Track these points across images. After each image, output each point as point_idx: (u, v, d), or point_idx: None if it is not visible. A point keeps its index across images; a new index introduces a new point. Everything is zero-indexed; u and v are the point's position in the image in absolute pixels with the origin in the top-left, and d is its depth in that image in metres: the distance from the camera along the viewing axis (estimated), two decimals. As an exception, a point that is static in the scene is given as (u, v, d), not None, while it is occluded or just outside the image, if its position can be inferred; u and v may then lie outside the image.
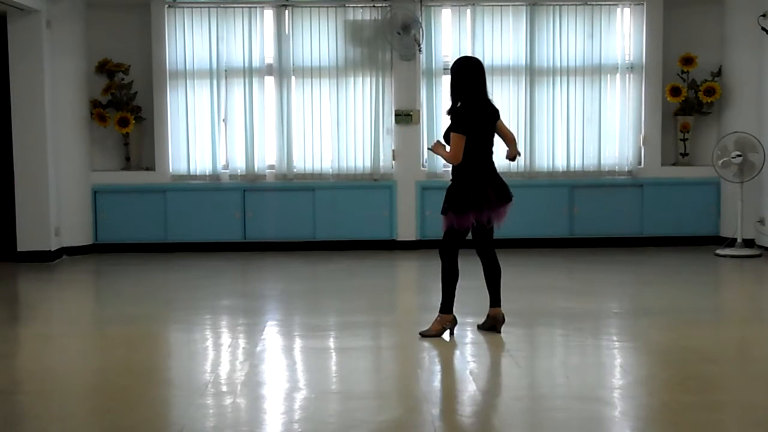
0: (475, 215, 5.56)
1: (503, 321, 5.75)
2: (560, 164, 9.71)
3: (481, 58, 9.39)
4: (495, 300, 5.76)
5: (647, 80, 9.70)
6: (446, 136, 5.64)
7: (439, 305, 5.68)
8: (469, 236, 5.73)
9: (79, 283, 8.33)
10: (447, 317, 5.66)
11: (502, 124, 5.76)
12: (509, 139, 5.75)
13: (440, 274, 5.67)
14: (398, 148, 9.65)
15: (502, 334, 5.78)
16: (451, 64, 5.83)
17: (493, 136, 5.69)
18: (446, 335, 5.66)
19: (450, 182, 5.67)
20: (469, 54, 9.52)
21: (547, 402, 4.46)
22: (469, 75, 5.61)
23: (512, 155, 5.76)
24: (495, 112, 5.69)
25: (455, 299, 5.67)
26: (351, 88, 9.63)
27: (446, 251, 5.65)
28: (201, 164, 9.67)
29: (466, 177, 5.57)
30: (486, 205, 5.57)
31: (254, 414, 4.34)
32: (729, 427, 4.11)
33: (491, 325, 5.75)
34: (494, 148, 5.72)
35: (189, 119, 9.64)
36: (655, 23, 9.66)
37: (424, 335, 5.64)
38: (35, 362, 5.43)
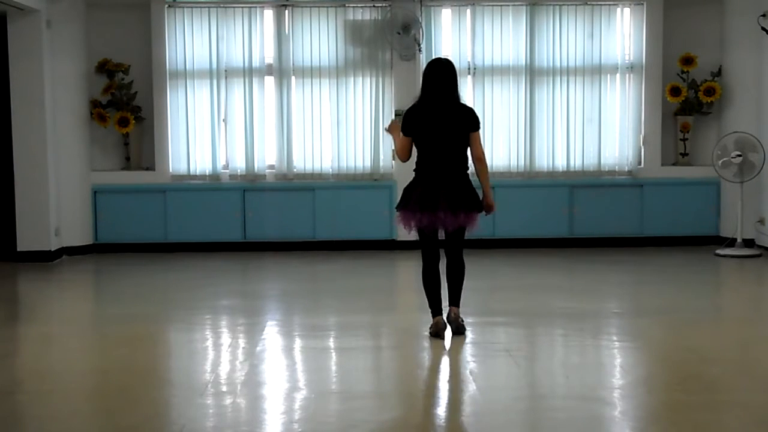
0: (422, 216, 5.46)
1: (456, 320, 5.59)
2: (560, 164, 9.71)
3: (481, 58, 9.57)
4: (452, 299, 5.67)
5: (647, 80, 9.70)
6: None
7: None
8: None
9: (79, 283, 8.33)
10: (434, 320, 5.60)
11: (476, 138, 5.56)
12: (474, 156, 5.58)
13: None
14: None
15: (503, 334, 5.78)
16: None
17: (458, 141, 5.51)
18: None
19: None
20: (469, 54, 9.56)
21: (547, 402, 4.46)
22: (426, 76, 5.57)
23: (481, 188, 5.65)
24: (464, 120, 5.52)
25: (439, 302, 5.61)
26: (351, 88, 9.63)
27: (422, 252, 5.65)
28: (201, 164, 9.67)
29: (415, 177, 5.59)
30: (431, 207, 5.43)
31: (254, 414, 4.34)
32: (729, 427, 4.11)
33: (452, 323, 5.64)
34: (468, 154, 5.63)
35: (189, 119, 9.64)
36: (655, 23, 9.66)
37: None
38: (35, 362, 5.43)
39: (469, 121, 5.54)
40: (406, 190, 5.62)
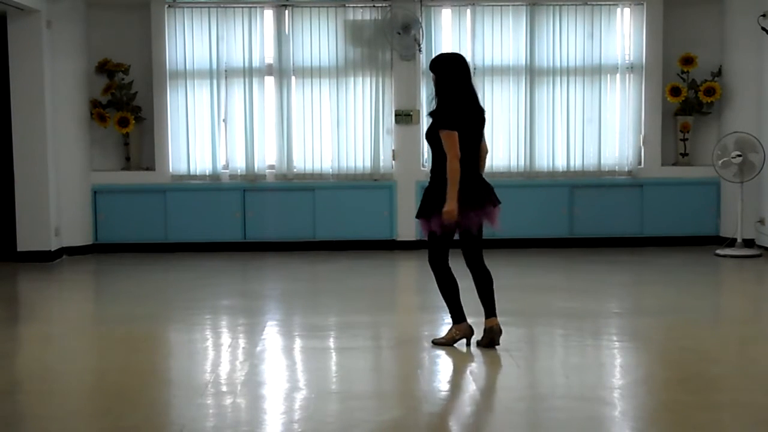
0: (461, 218, 5.14)
1: (500, 332, 5.33)
2: (560, 164, 9.70)
3: (481, 58, 9.56)
4: (489, 310, 5.34)
5: (647, 80, 9.70)
6: (429, 136, 5.27)
7: (440, 307, 5.61)
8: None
9: (79, 283, 8.33)
10: (459, 327, 5.37)
11: (483, 136, 5.39)
12: (484, 152, 5.38)
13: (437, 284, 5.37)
14: (398, 148, 9.65)
15: (503, 334, 5.77)
16: (431, 62, 5.42)
17: (480, 139, 5.34)
18: (463, 345, 5.39)
19: (429, 184, 5.30)
20: (469, 54, 9.54)
21: (547, 402, 4.45)
22: (457, 72, 5.24)
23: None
24: (483, 118, 5.35)
25: (462, 306, 5.37)
26: (351, 88, 9.63)
27: (435, 260, 5.31)
28: (201, 164, 9.67)
29: (462, 178, 5.19)
30: (472, 207, 5.17)
31: (254, 414, 4.34)
32: (729, 427, 4.11)
33: (489, 339, 5.32)
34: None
35: (189, 119, 9.64)
36: (655, 23, 9.66)
37: (435, 342, 5.43)
38: (35, 362, 5.43)
39: (484, 120, 5.39)
40: (443, 193, 5.13)
